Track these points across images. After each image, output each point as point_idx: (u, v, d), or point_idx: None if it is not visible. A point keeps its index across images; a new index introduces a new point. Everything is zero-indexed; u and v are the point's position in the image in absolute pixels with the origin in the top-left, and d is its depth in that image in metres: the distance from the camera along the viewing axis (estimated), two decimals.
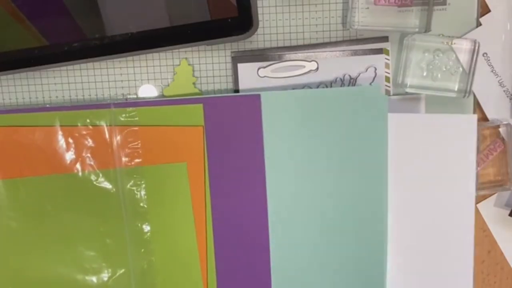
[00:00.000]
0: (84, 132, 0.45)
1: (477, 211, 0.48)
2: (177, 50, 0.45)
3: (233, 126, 0.44)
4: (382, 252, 0.44)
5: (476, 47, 0.44)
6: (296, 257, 0.45)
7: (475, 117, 0.44)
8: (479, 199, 0.48)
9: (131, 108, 0.44)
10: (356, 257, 0.45)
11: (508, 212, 0.47)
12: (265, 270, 0.45)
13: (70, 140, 0.45)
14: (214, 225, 0.45)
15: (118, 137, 0.45)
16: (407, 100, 0.45)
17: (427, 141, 0.44)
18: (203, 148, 0.44)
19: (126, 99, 0.46)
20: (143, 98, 0.46)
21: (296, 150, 0.44)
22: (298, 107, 0.43)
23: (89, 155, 0.45)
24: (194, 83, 0.46)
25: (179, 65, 0.46)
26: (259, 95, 0.43)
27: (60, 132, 0.45)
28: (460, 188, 0.44)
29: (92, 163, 0.45)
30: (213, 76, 0.46)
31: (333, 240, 0.45)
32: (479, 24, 0.45)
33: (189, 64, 0.46)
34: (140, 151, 0.45)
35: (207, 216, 0.45)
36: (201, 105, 0.44)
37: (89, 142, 0.45)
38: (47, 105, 0.46)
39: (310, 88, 0.45)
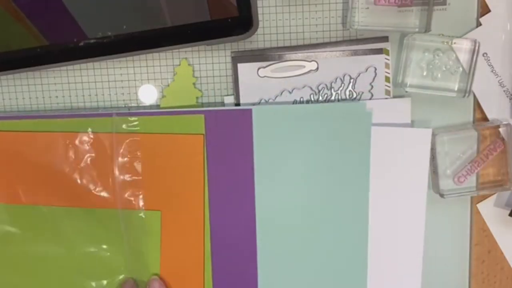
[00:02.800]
0: (85, 139, 0.45)
1: (477, 211, 0.48)
2: (177, 50, 0.45)
3: (229, 137, 0.45)
4: (364, 257, 0.46)
5: (476, 47, 0.44)
6: (281, 260, 0.46)
7: (429, 131, 0.45)
8: (479, 199, 0.48)
9: (133, 118, 0.45)
10: (339, 262, 0.46)
11: (508, 212, 0.47)
12: (252, 273, 0.46)
13: (70, 147, 0.45)
14: (211, 231, 0.46)
15: (119, 145, 0.45)
16: (394, 102, 0.46)
17: (387, 151, 0.45)
18: (203, 156, 0.45)
19: (129, 108, 0.46)
20: (144, 107, 0.46)
21: (284, 160, 0.45)
22: (287, 120, 0.45)
23: (88, 162, 0.45)
24: (194, 83, 0.46)
25: (179, 65, 0.46)
26: (251, 109, 0.45)
27: (61, 139, 0.45)
28: (412, 195, 0.46)
29: (91, 171, 0.45)
30: (213, 76, 0.46)
31: (317, 246, 0.46)
32: (479, 24, 0.45)
33: (189, 64, 0.46)
34: (141, 160, 0.45)
35: (205, 222, 0.46)
36: (202, 116, 0.44)
37: (89, 150, 0.45)
38: (48, 112, 0.46)
39: (310, 88, 0.46)
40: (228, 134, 0.45)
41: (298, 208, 0.46)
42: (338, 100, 0.46)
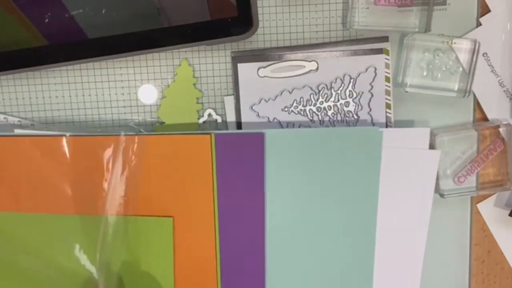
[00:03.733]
0: (87, 142, 0.44)
1: (477, 211, 0.48)
2: (177, 50, 0.45)
3: (239, 159, 0.44)
4: (370, 271, 0.46)
5: (476, 47, 0.44)
6: (289, 274, 0.46)
7: (438, 152, 0.45)
8: (479, 199, 0.48)
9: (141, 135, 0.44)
10: (346, 277, 0.46)
11: (508, 212, 0.47)
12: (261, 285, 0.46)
13: (70, 150, 0.44)
14: (221, 243, 0.45)
15: (124, 149, 0.44)
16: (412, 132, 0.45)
17: (395, 170, 0.45)
18: (211, 156, 0.44)
19: (138, 129, 0.46)
20: (145, 124, 0.46)
21: (295, 182, 0.45)
22: (299, 144, 0.44)
23: (93, 166, 0.44)
24: (194, 84, 0.46)
25: (179, 65, 0.46)
26: (263, 134, 0.44)
27: (59, 142, 0.44)
28: (417, 211, 0.45)
29: (96, 176, 0.44)
30: (213, 76, 0.46)
31: (325, 263, 0.46)
32: (479, 24, 0.45)
33: (189, 65, 0.46)
34: (146, 163, 0.44)
35: (216, 231, 0.45)
36: (209, 136, 0.44)
37: (92, 153, 0.44)
38: (50, 126, 0.46)
39: (310, 88, 0.46)
40: (239, 157, 0.44)
41: (307, 227, 0.45)
42: (339, 100, 0.46)
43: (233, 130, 0.46)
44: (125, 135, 0.44)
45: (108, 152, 0.44)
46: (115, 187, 0.44)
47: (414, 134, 0.45)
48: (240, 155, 0.44)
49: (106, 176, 0.44)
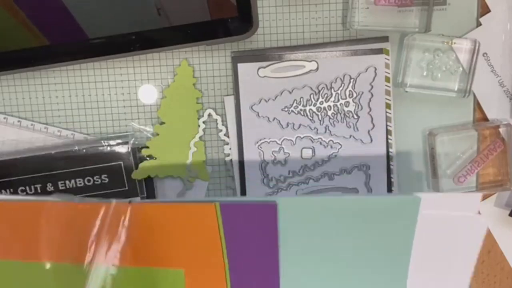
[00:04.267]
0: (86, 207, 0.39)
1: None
2: (177, 50, 0.45)
3: (249, 230, 0.39)
4: None
5: (476, 47, 0.44)
6: None
7: (485, 223, 0.39)
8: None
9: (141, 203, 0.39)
10: None
11: (508, 212, 0.47)
12: None
13: (71, 215, 0.39)
14: None
15: (111, 214, 0.39)
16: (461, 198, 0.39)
17: (435, 234, 0.39)
18: (218, 227, 0.39)
19: (130, 201, 0.40)
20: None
21: (313, 253, 0.39)
22: (318, 213, 0.38)
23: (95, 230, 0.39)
24: (194, 84, 0.46)
25: (179, 65, 0.46)
26: (275, 204, 0.38)
27: (47, 211, 0.39)
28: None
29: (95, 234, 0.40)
30: (213, 76, 0.46)
31: None
32: (479, 24, 0.45)
33: (189, 65, 0.46)
34: (139, 230, 0.39)
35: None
36: (213, 205, 0.38)
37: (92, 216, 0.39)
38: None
39: (310, 88, 0.46)
40: (249, 228, 0.38)
41: None
42: (339, 100, 0.46)
43: (240, 198, 0.41)
44: (116, 202, 0.39)
45: (95, 223, 0.39)
46: (98, 263, 0.40)
47: (462, 200, 0.38)
48: (250, 226, 0.39)
49: (90, 251, 0.39)
